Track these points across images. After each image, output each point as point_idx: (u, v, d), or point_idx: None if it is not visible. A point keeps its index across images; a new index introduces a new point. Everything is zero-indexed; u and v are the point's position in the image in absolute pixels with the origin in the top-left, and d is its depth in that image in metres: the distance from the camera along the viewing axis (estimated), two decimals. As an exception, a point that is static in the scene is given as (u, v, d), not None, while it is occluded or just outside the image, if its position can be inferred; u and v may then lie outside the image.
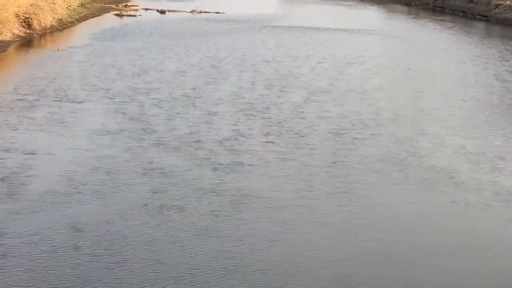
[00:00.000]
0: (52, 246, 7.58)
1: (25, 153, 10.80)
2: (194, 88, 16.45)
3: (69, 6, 30.86)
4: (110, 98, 14.99)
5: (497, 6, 39.92)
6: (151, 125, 12.85)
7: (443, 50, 25.98)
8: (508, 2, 39.23)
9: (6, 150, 10.91)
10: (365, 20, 37.96)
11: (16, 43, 22.81)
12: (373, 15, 42.20)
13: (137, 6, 39.79)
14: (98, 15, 33.64)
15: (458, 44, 28.15)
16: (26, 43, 23.37)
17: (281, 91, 16.61)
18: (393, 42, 28.18)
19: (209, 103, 14.96)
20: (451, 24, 36.87)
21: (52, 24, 26.74)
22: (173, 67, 19.41)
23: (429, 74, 20.24)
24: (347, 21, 36.35)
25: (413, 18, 40.42)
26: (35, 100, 14.54)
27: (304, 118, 13.91)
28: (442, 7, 46.40)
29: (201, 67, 19.64)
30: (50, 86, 15.98)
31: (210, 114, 13.91)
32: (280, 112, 14.34)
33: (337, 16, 39.95)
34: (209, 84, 17.05)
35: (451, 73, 20.77)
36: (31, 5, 25.58)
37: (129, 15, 34.59)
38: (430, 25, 35.57)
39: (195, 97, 15.51)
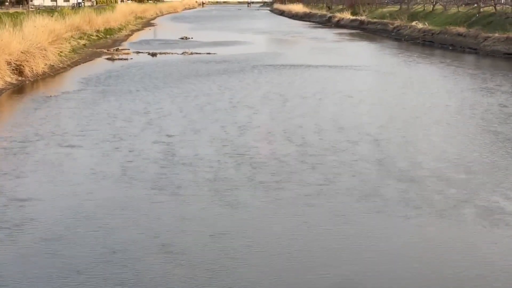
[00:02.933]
0: None
1: (15, 199, 10.67)
2: (183, 132, 16.39)
3: (61, 52, 30.96)
4: (102, 142, 14.91)
5: (485, 39, 40.20)
6: (143, 171, 12.75)
7: (438, 84, 26.03)
8: (496, 35, 39.52)
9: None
10: (356, 56, 38.15)
11: (8, 90, 22.80)
12: (364, 51, 42.43)
13: (128, 49, 39.96)
14: (90, 60, 33.74)
15: (450, 77, 28.24)
16: (18, 90, 23.36)
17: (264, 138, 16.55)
18: (387, 78, 28.24)
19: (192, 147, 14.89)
20: (441, 58, 37.08)
21: (44, 71, 26.79)
22: (166, 111, 19.36)
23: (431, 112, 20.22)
24: (338, 58, 36.51)
25: (404, 53, 40.64)
26: (27, 146, 14.44)
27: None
28: (431, 41, 46.73)
29: (189, 110, 19.60)
30: (42, 132, 15.90)
31: (195, 156, 13.83)
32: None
33: (327, 52, 40.14)
34: (196, 126, 16.99)
35: (457, 106, 20.75)
36: (22, 52, 25.64)
37: (121, 59, 34.70)
38: (420, 60, 35.75)
39: (180, 141, 15.44)
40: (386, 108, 20.37)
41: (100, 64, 32.28)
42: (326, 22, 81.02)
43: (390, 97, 22.66)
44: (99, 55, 36.28)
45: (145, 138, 15.45)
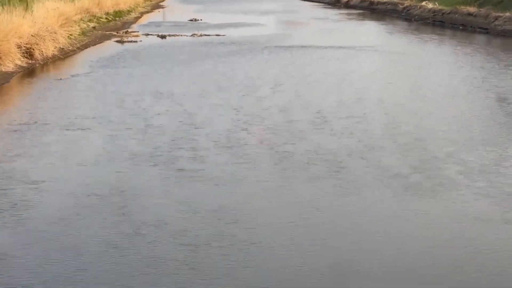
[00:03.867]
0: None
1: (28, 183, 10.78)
2: (196, 113, 16.44)
3: (70, 35, 30.95)
4: (114, 124, 15.00)
5: (496, 18, 39.92)
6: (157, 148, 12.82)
7: (446, 63, 25.94)
8: (507, 14, 39.24)
9: (9, 178, 10.88)
10: (366, 36, 38.00)
11: (19, 74, 22.87)
12: (374, 31, 42.27)
13: (138, 32, 39.92)
14: (100, 43, 33.75)
15: (462, 57, 28.12)
16: (29, 73, 23.44)
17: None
18: (398, 58, 28.14)
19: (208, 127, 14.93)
20: (451, 38, 36.89)
21: (53, 53, 26.83)
22: (177, 91, 19.40)
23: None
24: (348, 38, 36.38)
25: (414, 33, 40.46)
26: (39, 129, 14.54)
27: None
28: (442, 21, 46.43)
29: (202, 87, 19.64)
30: (53, 115, 15.99)
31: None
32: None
33: (336, 33, 39.99)
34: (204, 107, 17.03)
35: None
36: (32, 36, 25.67)
37: (130, 41, 34.69)
38: (431, 40, 35.58)
39: (198, 124, 15.49)
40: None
41: (110, 47, 32.29)
42: (335, 3, 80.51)
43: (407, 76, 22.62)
44: (108, 37, 36.27)
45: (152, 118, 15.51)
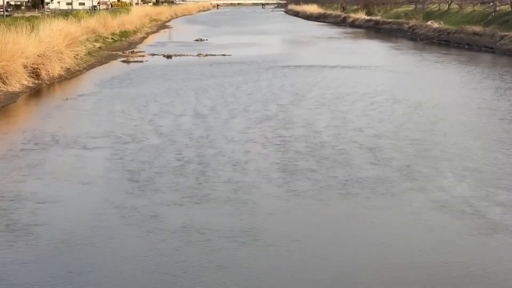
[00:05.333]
0: None
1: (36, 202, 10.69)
2: (204, 136, 16.37)
3: (76, 55, 31.03)
4: (120, 144, 14.92)
5: (502, 37, 39.92)
6: (161, 173, 12.74)
7: (454, 82, 25.88)
8: (513, 33, 39.24)
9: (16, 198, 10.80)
10: (372, 56, 38.03)
11: (25, 93, 22.89)
12: (379, 51, 42.30)
13: (144, 52, 40.03)
14: (106, 63, 33.83)
15: (467, 77, 28.03)
16: (35, 93, 23.45)
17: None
18: (403, 77, 28.09)
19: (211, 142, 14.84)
20: (458, 57, 36.85)
21: (60, 74, 26.88)
22: (183, 112, 19.32)
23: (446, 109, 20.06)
24: (354, 58, 36.41)
25: (419, 52, 40.49)
26: (44, 149, 14.47)
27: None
28: (447, 41, 46.47)
29: (203, 110, 19.57)
30: (59, 135, 15.92)
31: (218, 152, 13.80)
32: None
33: (342, 52, 40.04)
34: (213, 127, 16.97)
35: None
36: (38, 56, 25.74)
37: (136, 61, 34.76)
38: (437, 60, 35.56)
39: (202, 144, 15.41)
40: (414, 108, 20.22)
41: (116, 67, 32.36)
42: (341, 23, 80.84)
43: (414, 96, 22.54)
44: (114, 57, 36.37)
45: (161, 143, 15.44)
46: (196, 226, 9.75)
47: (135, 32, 56.10)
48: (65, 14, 50.89)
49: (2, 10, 56.53)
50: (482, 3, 53.22)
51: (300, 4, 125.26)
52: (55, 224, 9.92)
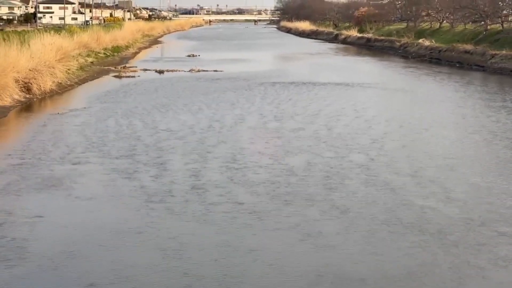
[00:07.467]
0: None
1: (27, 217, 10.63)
2: (196, 148, 16.35)
3: (68, 69, 31.01)
4: (110, 159, 14.87)
5: (493, 56, 40.17)
6: (150, 186, 12.70)
7: (446, 101, 25.98)
8: (504, 52, 39.47)
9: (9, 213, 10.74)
10: (364, 73, 38.13)
11: (16, 108, 22.82)
12: (371, 68, 42.45)
13: (136, 67, 40.04)
14: (97, 77, 33.80)
15: (459, 94, 28.15)
16: (26, 107, 23.39)
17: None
18: (396, 96, 28.16)
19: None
20: (449, 75, 37.01)
21: (51, 88, 26.82)
22: (173, 127, 19.30)
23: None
24: (345, 75, 36.48)
25: (411, 70, 40.64)
26: (35, 163, 14.41)
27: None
28: (438, 59, 46.74)
29: (197, 127, 19.54)
30: (50, 149, 15.86)
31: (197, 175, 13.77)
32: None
33: (334, 70, 40.15)
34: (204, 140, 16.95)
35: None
36: (30, 70, 25.70)
37: (128, 76, 34.76)
38: (428, 77, 35.72)
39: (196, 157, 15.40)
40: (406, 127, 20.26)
41: (108, 82, 32.34)
42: (333, 40, 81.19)
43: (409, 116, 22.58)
44: (106, 72, 36.35)
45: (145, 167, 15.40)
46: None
47: (127, 47, 56.16)
48: (58, 28, 50.87)
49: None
50: (473, 22, 53.58)
51: (292, 21, 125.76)
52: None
